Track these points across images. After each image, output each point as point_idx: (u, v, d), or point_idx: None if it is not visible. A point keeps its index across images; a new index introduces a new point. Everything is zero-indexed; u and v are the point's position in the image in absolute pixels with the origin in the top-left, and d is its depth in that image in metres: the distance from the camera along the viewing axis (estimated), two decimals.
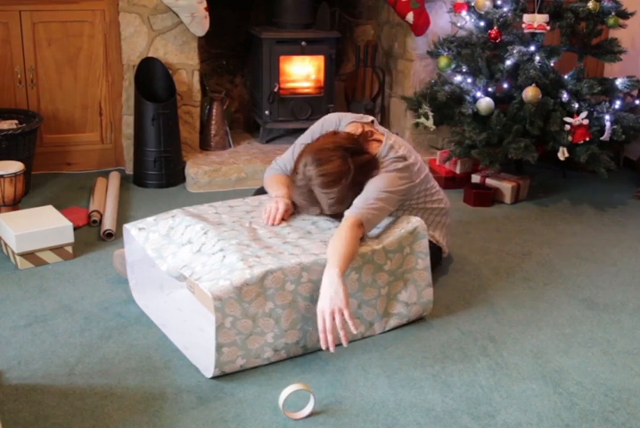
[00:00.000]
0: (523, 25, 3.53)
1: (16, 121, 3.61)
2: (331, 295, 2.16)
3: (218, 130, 4.09)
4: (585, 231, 3.38)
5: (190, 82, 3.92)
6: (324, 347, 2.17)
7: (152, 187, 3.78)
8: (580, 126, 3.50)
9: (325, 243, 2.33)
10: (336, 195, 2.41)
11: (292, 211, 2.56)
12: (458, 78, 3.79)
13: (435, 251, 2.73)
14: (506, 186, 3.68)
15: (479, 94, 3.64)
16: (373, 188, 2.44)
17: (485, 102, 3.57)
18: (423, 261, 2.47)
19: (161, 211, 2.64)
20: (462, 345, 2.38)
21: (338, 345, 2.21)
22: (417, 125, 3.95)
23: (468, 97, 3.70)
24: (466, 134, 3.63)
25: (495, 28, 3.59)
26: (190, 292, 2.58)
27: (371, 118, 2.71)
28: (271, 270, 2.16)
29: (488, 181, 3.74)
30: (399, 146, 2.57)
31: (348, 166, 2.39)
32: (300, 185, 2.45)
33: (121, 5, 3.73)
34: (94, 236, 3.15)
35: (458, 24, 3.90)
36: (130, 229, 2.51)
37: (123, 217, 3.34)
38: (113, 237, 3.11)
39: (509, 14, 3.57)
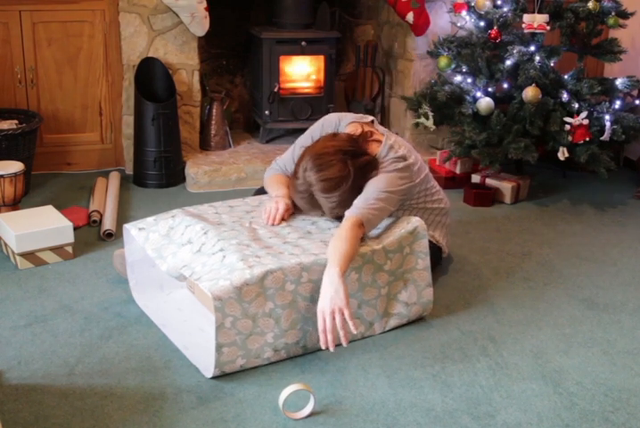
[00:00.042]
0: (523, 25, 3.53)
1: (16, 121, 3.61)
2: (331, 295, 2.16)
3: (218, 130, 4.09)
4: (585, 231, 3.38)
5: (190, 82, 3.92)
6: (323, 347, 2.18)
7: (152, 187, 3.78)
8: (580, 126, 3.50)
9: (325, 243, 2.33)
10: (337, 199, 2.42)
11: (292, 211, 2.56)
12: (458, 78, 3.79)
13: (435, 251, 2.73)
14: (506, 186, 3.68)
15: (479, 94, 3.64)
16: (374, 188, 2.44)
17: (485, 102, 3.57)
18: (423, 261, 2.47)
19: (161, 211, 2.64)
20: (462, 345, 2.38)
21: (338, 345, 2.21)
22: (417, 125, 3.95)
23: (468, 97, 3.70)
24: (466, 134, 3.63)
25: (495, 28, 3.59)
26: (190, 292, 2.58)
27: (371, 118, 2.71)
28: (271, 270, 2.16)
29: (488, 181, 3.74)
30: (399, 146, 2.57)
31: (349, 169, 2.40)
32: (301, 190, 2.46)
33: (121, 5, 3.73)
34: (94, 236, 3.15)
35: (458, 24, 3.90)
36: (130, 229, 2.51)
37: (123, 217, 3.34)
38: (113, 237, 3.11)
39: (509, 14, 3.57)
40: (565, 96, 3.58)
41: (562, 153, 3.53)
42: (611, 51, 3.68)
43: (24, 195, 3.31)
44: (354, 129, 2.60)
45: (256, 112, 4.30)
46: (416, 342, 2.39)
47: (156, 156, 3.74)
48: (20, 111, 3.73)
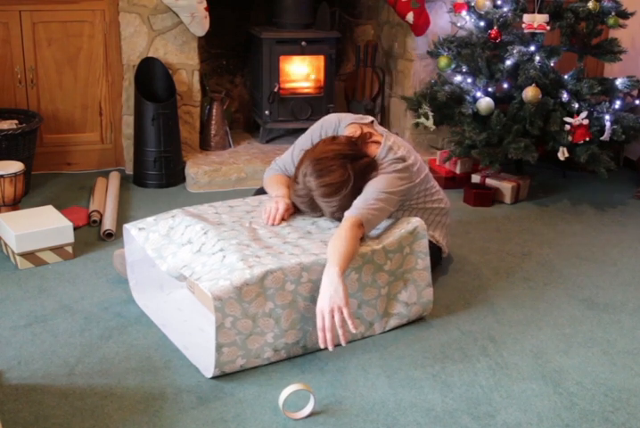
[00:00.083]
0: (523, 25, 3.53)
1: (16, 121, 3.61)
2: (330, 294, 2.16)
3: (218, 130, 4.09)
4: (585, 231, 3.38)
5: (190, 82, 3.92)
6: (322, 345, 2.18)
7: (152, 187, 3.78)
8: (580, 126, 3.50)
9: (325, 243, 2.33)
10: (338, 203, 2.43)
11: (292, 211, 2.56)
12: (458, 78, 3.79)
13: (435, 251, 2.73)
14: (506, 186, 3.68)
15: (479, 94, 3.64)
16: (373, 189, 2.44)
17: (485, 102, 3.57)
18: (423, 261, 2.47)
19: (161, 211, 2.64)
20: (462, 345, 2.38)
21: (337, 345, 2.21)
22: (417, 125, 3.95)
23: (468, 97, 3.70)
24: (466, 134, 3.63)
25: (495, 28, 3.59)
26: (190, 292, 2.58)
27: (370, 118, 2.71)
28: (271, 270, 2.16)
29: (488, 181, 3.74)
30: (398, 147, 2.56)
31: (348, 174, 2.40)
32: (301, 195, 2.47)
33: (121, 5, 3.73)
34: (94, 236, 3.15)
35: (458, 24, 3.90)
36: (130, 229, 2.51)
37: (123, 217, 3.34)
38: (113, 237, 3.11)
39: (509, 14, 3.57)
40: (565, 96, 3.58)
41: (562, 153, 3.53)
42: (611, 51, 3.68)
43: (24, 195, 3.31)
44: (353, 131, 2.60)
45: (256, 112, 4.30)
46: (416, 342, 2.39)
47: (156, 156, 3.74)
48: (20, 111, 3.73)
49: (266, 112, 4.06)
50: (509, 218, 3.51)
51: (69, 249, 2.91)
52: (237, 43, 4.33)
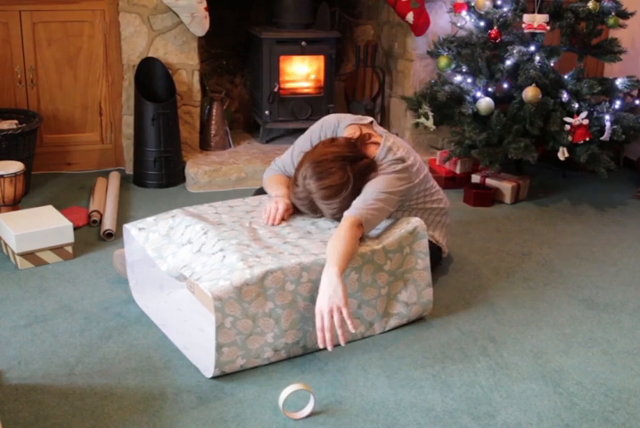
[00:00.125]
0: (523, 25, 3.53)
1: (16, 121, 3.61)
2: (329, 294, 2.16)
3: (218, 130, 4.09)
4: (585, 231, 3.38)
5: (190, 82, 3.92)
6: (321, 346, 2.18)
7: (152, 187, 3.78)
8: (580, 126, 3.50)
9: (325, 243, 2.33)
10: (338, 205, 2.43)
11: (292, 211, 2.56)
12: (458, 78, 3.79)
13: (435, 250, 2.73)
14: (506, 186, 3.68)
15: (479, 94, 3.64)
16: (372, 189, 2.44)
17: (485, 102, 3.57)
18: (423, 261, 2.47)
19: (161, 211, 2.64)
20: (462, 345, 2.38)
21: (337, 345, 2.21)
22: (417, 125, 3.95)
23: (468, 97, 3.70)
24: (466, 134, 3.63)
25: (495, 28, 3.59)
26: (190, 292, 2.58)
27: (370, 119, 2.71)
28: (271, 270, 2.16)
29: (488, 181, 3.74)
30: (398, 148, 2.56)
31: (348, 176, 2.40)
32: (301, 197, 2.47)
33: (121, 5, 3.73)
34: (94, 236, 3.15)
35: (458, 24, 3.90)
36: (130, 229, 2.51)
37: (123, 217, 3.34)
38: (113, 237, 3.11)
39: (509, 14, 3.57)
40: (565, 96, 3.58)
41: (562, 153, 3.53)
42: (611, 51, 3.68)
43: (24, 195, 3.31)
44: (352, 132, 2.60)
45: (256, 112, 4.30)
46: (416, 342, 2.39)
47: (156, 156, 3.74)
48: (20, 111, 3.73)
49: (266, 112, 4.06)
50: (509, 218, 3.51)
51: (69, 249, 2.91)
52: (237, 43, 4.33)
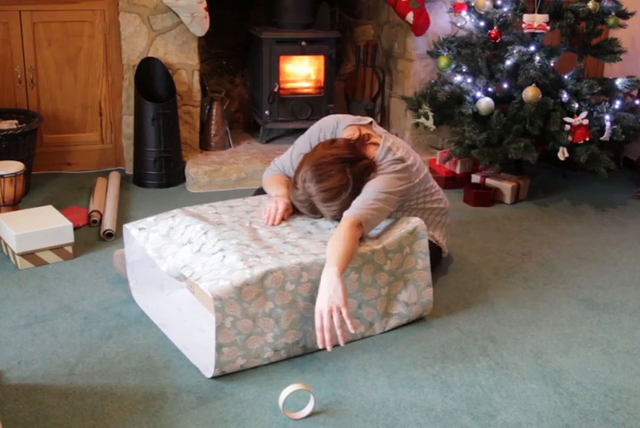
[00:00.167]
0: (523, 25, 3.53)
1: (16, 121, 3.61)
2: (329, 294, 2.16)
3: (218, 130, 4.09)
4: (585, 231, 3.38)
5: (190, 82, 3.92)
6: (321, 346, 2.18)
7: (152, 187, 3.78)
8: (580, 126, 3.50)
9: (325, 243, 2.33)
10: (338, 207, 2.44)
11: (292, 211, 2.56)
12: (458, 78, 3.79)
13: (435, 251, 2.73)
14: (506, 186, 3.68)
15: (479, 94, 3.64)
16: (372, 189, 2.44)
17: (485, 102, 3.57)
18: (423, 261, 2.47)
19: (161, 211, 2.64)
20: (462, 345, 2.38)
21: (336, 345, 2.21)
22: (417, 125, 3.95)
23: (468, 97, 3.70)
24: (466, 134, 3.63)
25: (495, 28, 3.59)
26: (190, 292, 2.58)
27: (369, 119, 2.71)
28: (271, 270, 2.16)
29: (488, 181, 3.74)
30: (397, 148, 2.56)
31: (348, 178, 2.40)
32: (301, 200, 2.48)
33: (121, 5, 3.73)
34: (94, 236, 3.15)
35: (458, 24, 3.90)
36: (130, 229, 2.51)
37: (123, 217, 3.34)
38: (113, 237, 3.11)
39: (509, 14, 3.57)
40: (565, 96, 3.58)
41: (562, 153, 3.53)
42: (611, 51, 3.68)
43: (24, 195, 3.31)
44: (351, 133, 2.60)
45: (256, 112, 4.30)
46: (416, 342, 2.39)
47: (156, 156, 3.74)
48: (20, 111, 3.73)
49: (266, 112, 4.06)
50: (509, 218, 3.51)
51: (69, 249, 2.91)
52: (237, 43, 4.33)
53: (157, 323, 2.44)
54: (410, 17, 3.82)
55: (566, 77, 3.64)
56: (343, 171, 2.40)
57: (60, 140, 3.91)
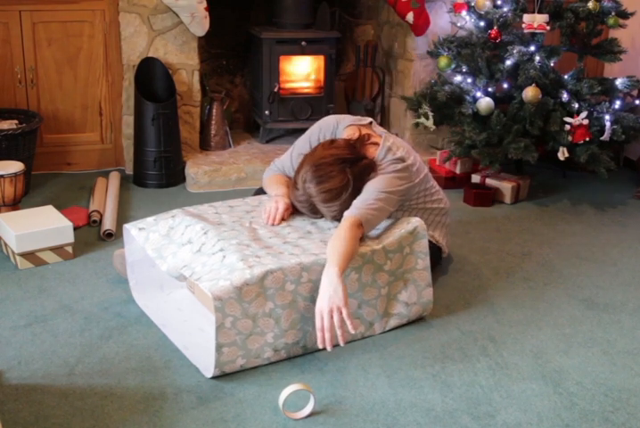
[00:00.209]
0: (523, 25, 3.53)
1: (16, 121, 3.61)
2: (330, 294, 2.16)
3: (218, 130, 4.09)
4: (585, 231, 3.38)
5: (190, 82, 3.92)
6: (321, 346, 2.18)
7: (152, 187, 3.78)
8: (580, 126, 3.50)
9: (325, 243, 2.33)
10: (338, 208, 2.44)
11: (292, 211, 2.56)
12: (458, 78, 3.79)
13: (435, 251, 2.73)
14: (506, 186, 3.68)
15: (479, 94, 3.64)
16: (372, 189, 2.44)
17: (485, 102, 3.57)
18: (423, 261, 2.47)
19: (161, 211, 2.64)
20: (462, 345, 2.38)
21: (336, 345, 2.21)
22: (417, 125, 3.95)
23: (468, 97, 3.70)
24: (466, 134, 3.63)
25: (495, 28, 3.59)
26: (190, 292, 2.58)
27: (369, 119, 2.71)
28: (271, 270, 2.16)
29: (488, 181, 3.74)
30: (397, 148, 2.56)
31: (348, 179, 2.40)
32: (302, 200, 2.48)
33: (121, 5, 3.73)
34: (94, 236, 3.15)
35: (458, 24, 3.90)
36: (130, 229, 2.51)
37: (123, 217, 3.34)
38: (113, 237, 3.11)
39: (509, 14, 3.57)
40: (565, 96, 3.58)
41: (562, 153, 3.53)
42: (611, 51, 3.68)
43: (24, 195, 3.31)
44: (351, 133, 2.60)
45: (256, 112, 4.30)
46: (416, 342, 2.39)
47: (156, 156, 3.74)
48: (20, 111, 3.73)
49: (266, 112, 4.06)
50: (509, 218, 3.51)
51: (69, 249, 2.91)
52: (237, 43, 4.33)
53: (157, 323, 2.44)
54: (410, 17, 3.82)
55: (566, 77, 3.64)
56: (343, 172, 2.40)
57: (60, 140, 3.91)
